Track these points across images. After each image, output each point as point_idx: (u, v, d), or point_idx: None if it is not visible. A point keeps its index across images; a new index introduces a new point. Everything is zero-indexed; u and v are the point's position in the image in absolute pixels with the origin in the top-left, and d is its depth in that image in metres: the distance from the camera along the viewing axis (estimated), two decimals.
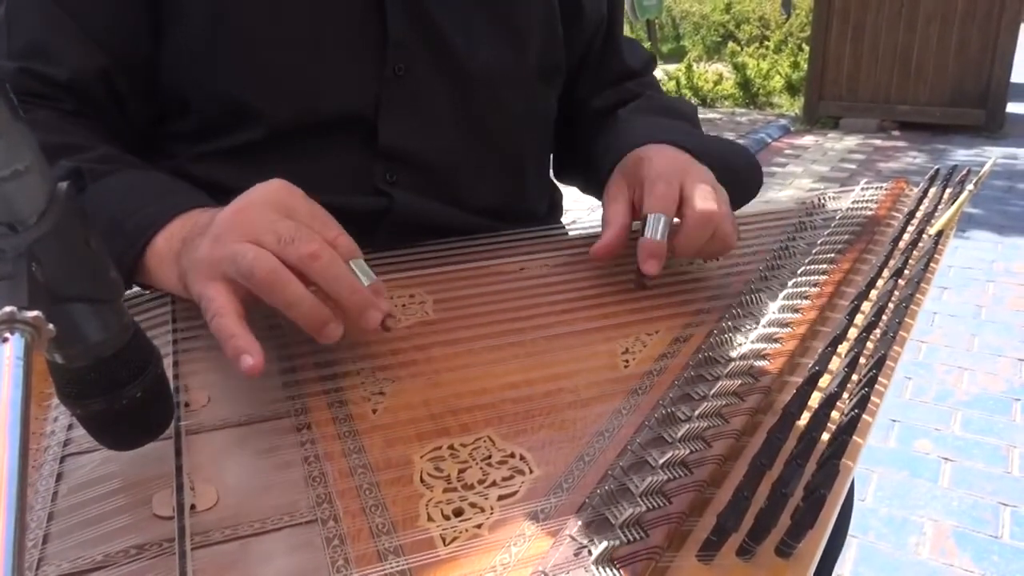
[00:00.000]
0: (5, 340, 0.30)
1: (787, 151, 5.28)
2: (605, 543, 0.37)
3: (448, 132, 0.74)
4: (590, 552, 0.37)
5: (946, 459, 1.94)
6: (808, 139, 5.59)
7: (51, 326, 0.31)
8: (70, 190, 0.35)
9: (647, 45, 9.00)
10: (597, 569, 0.36)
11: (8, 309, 0.30)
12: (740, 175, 0.77)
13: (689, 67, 7.01)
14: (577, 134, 0.88)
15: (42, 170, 0.34)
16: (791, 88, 6.64)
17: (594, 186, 0.80)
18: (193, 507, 0.41)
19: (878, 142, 5.41)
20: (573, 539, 0.38)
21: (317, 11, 0.68)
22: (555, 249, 0.74)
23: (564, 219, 0.92)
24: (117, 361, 0.39)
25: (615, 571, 0.36)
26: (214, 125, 0.70)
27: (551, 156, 0.90)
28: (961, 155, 4.97)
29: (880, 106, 5.66)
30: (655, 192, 0.64)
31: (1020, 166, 4.69)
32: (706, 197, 0.64)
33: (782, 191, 4.34)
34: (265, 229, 0.49)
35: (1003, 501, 1.79)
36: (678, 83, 6.90)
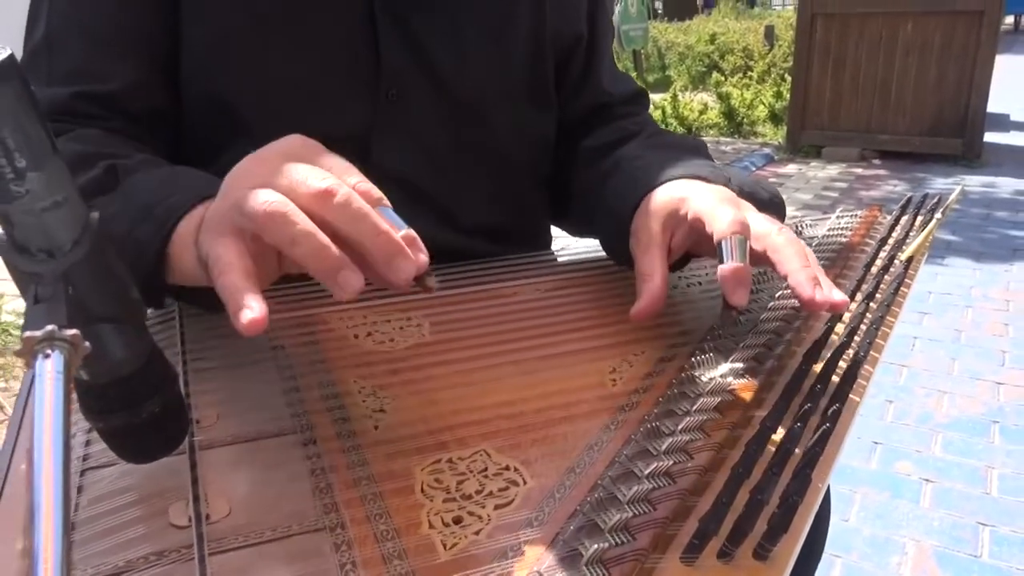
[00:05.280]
0: (47, 356, 0.33)
1: (771, 179, 5.36)
2: (595, 546, 0.39)
3: (441, 153, 0.77)
4: (581, 554, 0.39)
5: (927, 480, 1.98)
6: (791, 167, 5.67)
7: (87, 344, 0.34)
8: (101, 221, 0.38)
9: (633, 75, 9.12)
10: (588, 570, 0.39)
11: (49, 328, 0.33)
12: (767, 208, 0.70)
13: (675, 97, 7.10)
14: (569, 179, 0.85)
15: (77, 201, 0.37)
16: (774, 117, 6.74)
17: (607, 230, 0.73)
18: (207, 517, 0.44)
19: (859, 171, 5.50)
20: (565, 543, 0.41)
21: (311, 34, 0.71)
22: (546, 274, 0.77)
23: (553, 245, 0.94)
24: (138, 378, 0.41)
25: (605, 571, 0.38)
26: (210, 143, 0.73)
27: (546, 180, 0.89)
28: (940, 183, 5.06)
29: (861, 135, 5.75)
30: (723, 217, 0.58)
31: (997, 194, 4.78)
32: (771, 221, 0.60)
33: None
34: (275, 173, 0.45)
35: (982, 521, 1.82)
36: (664, 112, 6.98)
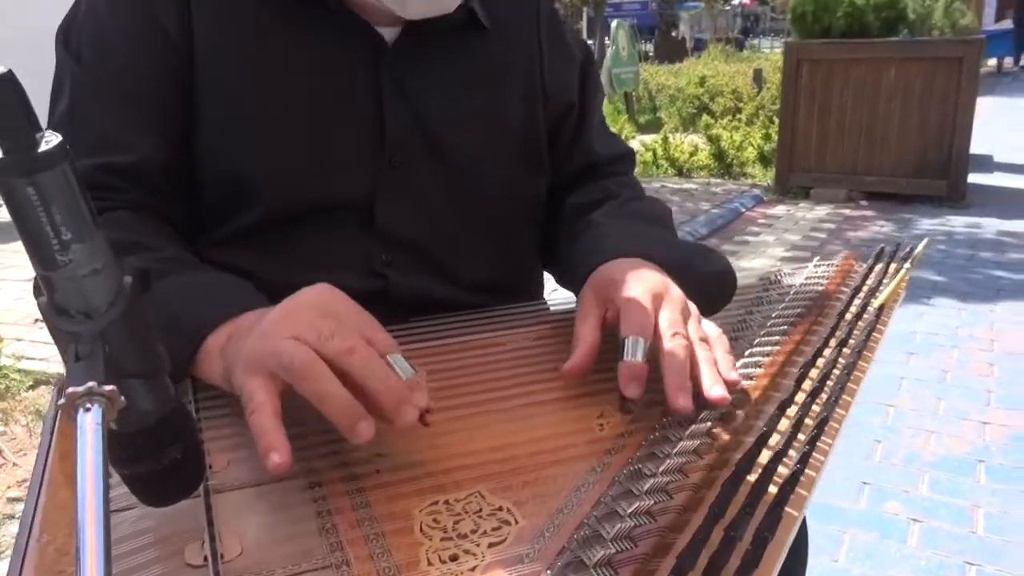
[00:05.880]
0: (88, 410, 0.37)
1: (760, 220, 5.43)
2: None
3: (441, 216, 0.81)
4: None
5: (914, 520, 2.00)
6: (780, 209, 5.75)
7: (123, 398, 0.38)
8: (135, 284, 0.42)
9: (625, 116, 9.25)
10: None
11: (89, 384, 0.37)
12: (711, 281, 0.78)
13: (665, 139, 7.20)
14: (556, 231, 0.91)
15: (113, 267, 0.41)
16: (763, 159, 6.83)
17: (568, 285, 0.84)
18: (222, 556, 0.47)
19: (847, 211, 5.58)
20: None
21: (320, 108, 0.76)
22: (537, 324, 0.81)
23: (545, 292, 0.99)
24: (162, 427, 0.45)
25: None
26: (221, 209, 0.77)
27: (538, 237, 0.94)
28: (926, 224, 5.14)
29: (848, 177, 5.85)
30: (631, 315, 0.65)
31: (982, 235, 4.84)
32: (676, 322, 0.65)
33: (755, 260, 4.46)
34: (307, 327, 0.53)
35: (969, 560, 1.84)
36: (655, 154, 7.08)
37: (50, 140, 0.37)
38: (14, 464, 2.18)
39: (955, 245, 4.61)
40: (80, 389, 0.37)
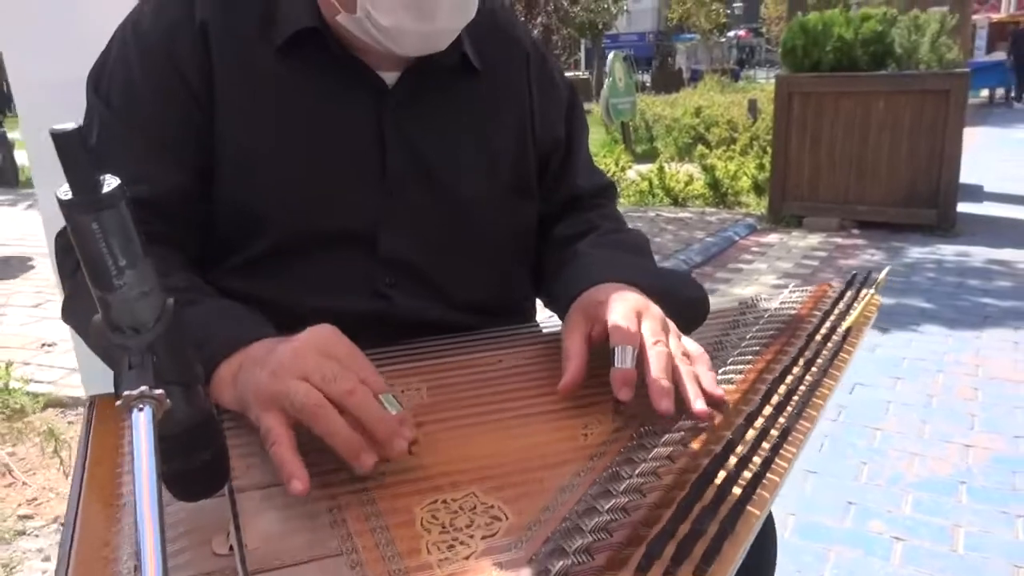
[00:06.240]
0: (141, 410, 0.43)
1: (754, 248, 5.51)
2: (561, 563, 0.49)
3: (439, 243, 0.88)
4: (550, 571, 0.49)
5: (897, 539, 2.05)
6: (773, 237, 5.83)
7: (169, 401, 0.44)
8: (177, 306, 0.48)
9: (621, 146, 9.36)
10: None
11: (143, 388, 0.43)
12: (686, 306, 0.85)
13: (661, 168, 7.30)
14: (543, 260, 0.98)
15: (158, 290, 0.48)
16: (757, 188, 6.93)
17: (555, 310, 0.91)
18: (245, 546, 0.53)
19: (839, 240, 5.66)
20: (538, 562, 0.51)
21: (328, 150, 0.83)
22: (529, 344, 0.87)
23: (538, 316, 1.04)
24: (196, 430, 0.52)
25: None
26: (234, 239, 0.83)
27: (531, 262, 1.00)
28: (916, 252, 5.21)
29: (840, 206, 5.94)
30: (618, 330, 0.72)
31: (970, 263, 4.92)
32: (657, 332, 0.72)
33: (748, 287, 4.52)
34: (313, 369, 0.60)
35: None
36: (651, 183, 7.17)
37: (111, 183, 0.44)
38: (24, 483, 2.23)
39: (944, 273, 4.68)
40: (134, 392, 0.43)
